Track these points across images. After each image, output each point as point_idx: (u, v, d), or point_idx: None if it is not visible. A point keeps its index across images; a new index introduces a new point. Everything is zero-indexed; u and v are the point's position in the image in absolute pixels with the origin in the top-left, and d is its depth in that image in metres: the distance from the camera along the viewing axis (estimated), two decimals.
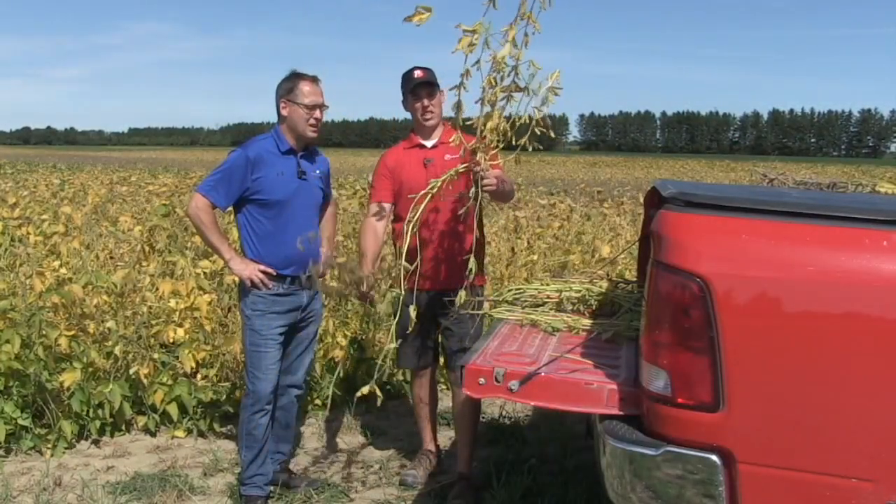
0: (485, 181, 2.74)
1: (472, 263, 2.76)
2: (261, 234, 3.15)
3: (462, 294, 2.76)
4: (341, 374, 4.57)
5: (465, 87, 2.53)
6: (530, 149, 2.71)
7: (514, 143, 2.66)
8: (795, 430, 1.82)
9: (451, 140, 2.78)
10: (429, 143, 3.39)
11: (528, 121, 2.59)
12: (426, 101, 3.29)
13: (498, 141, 2.63)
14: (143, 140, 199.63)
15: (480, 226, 3.36)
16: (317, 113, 3.15)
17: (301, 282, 3.21)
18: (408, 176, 3.32)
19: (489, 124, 2.56)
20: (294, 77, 3.16)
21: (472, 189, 2.77)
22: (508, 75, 2.51)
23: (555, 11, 2.54)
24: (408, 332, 3.38)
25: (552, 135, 2.62)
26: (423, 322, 3.36)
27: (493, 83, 2.50)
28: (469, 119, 2.61)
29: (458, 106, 2.57)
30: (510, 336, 2.66)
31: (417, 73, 3.30)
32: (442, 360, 3.71)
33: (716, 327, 1.82)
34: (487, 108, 2.55)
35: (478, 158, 2.70)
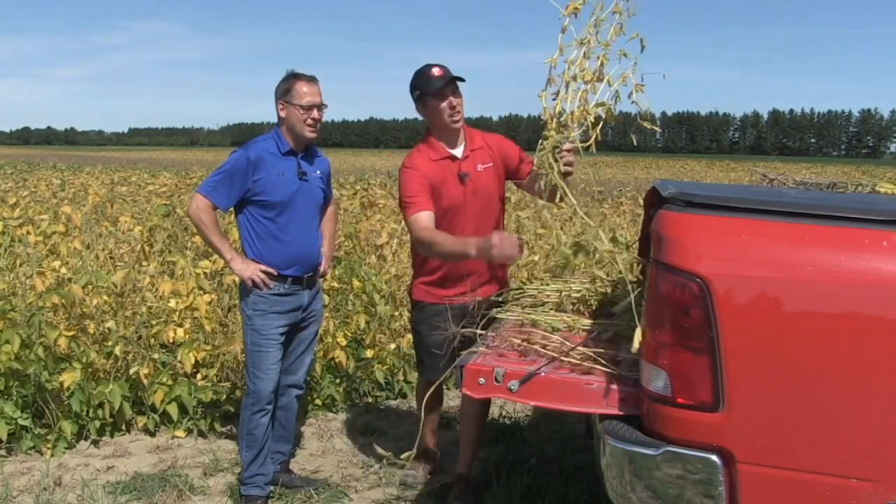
0: (567, 158, 2.58)
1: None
2: (262, 234, 3.15)
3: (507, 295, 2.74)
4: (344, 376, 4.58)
5: (554, 64, 2.57)
6: (635, 142, 3.22)
7: (589, 131, 2.63)
8: (795, 430, 1.82)
9: (543, 110, 2.64)
10: (458, 153, 3.13)
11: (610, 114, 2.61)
12: (453, 101, 3.02)
13: (581, 124, 2.59)
14: (143, 140, 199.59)
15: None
16: (314, 113, 3.13)
17: (303, 282, 3.21)
18: (448, 193, 3.04)
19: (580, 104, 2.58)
20: (291, 78, 3.15)
21: (551, 165, 2.59)
22: (597, 59, 2.57)
23: (554, 11, 2.61)
24: (443, 345, 3.27)
25: (656, 128, 2.64)
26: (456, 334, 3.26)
27: (583, 64, 2.55)
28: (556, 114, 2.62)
29: (551, 80, 2.59)
30: None
31: (436, 71, 3.02)
32: None
33: (716, 327, 1.82)
34: (577, 87, 2.59)
35: (566, 134, 2.57)
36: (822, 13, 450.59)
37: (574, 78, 2.58)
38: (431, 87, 3.04)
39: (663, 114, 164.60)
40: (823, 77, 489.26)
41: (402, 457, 3.33)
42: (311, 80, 3.15)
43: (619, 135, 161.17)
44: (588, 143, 2.61)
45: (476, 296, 3.10)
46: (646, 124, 2.58)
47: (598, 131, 2.61)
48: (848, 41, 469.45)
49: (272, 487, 3.34)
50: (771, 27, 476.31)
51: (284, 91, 3.13)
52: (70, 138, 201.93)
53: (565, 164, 2.61)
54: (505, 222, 3.17)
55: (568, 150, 2.60)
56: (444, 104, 3.04)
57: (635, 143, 2.63)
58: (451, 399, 4.49)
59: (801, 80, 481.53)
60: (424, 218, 2.97)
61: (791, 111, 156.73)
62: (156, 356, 4.16)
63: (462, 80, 3.08)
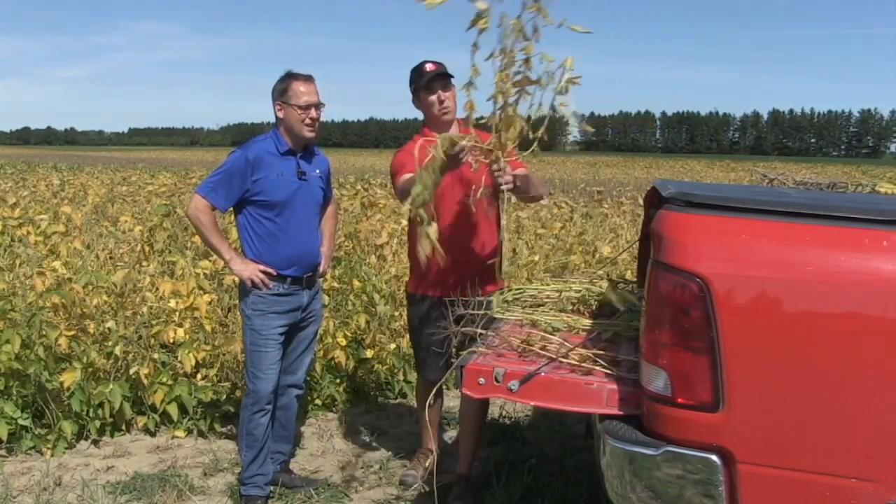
0: (503, 179, 2.65)
1: (503, 265, 2.70)
2: (261, 234, 3.15)
3: (497, 298, 2.70)
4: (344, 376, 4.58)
5: (474, 86, 2.50)
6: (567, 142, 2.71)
7: (531, 136, 2.56)
8: (795, 430, 1.82)
9: (465, 140, 2.64)
10: None
11: (550, 115, 2.51)
12: (442, 94, 3.16)
13: (516, 138, 2.55)
14: (143, 140, 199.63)
15: (500, 229, 3.26)
16: (312, 112, 3.12)
17: (302, 282, 3.20)
18: None
19: (509, 125, 2.49)
20: (287, 78, 3.14)
21: (492, 189, 2.68)
22: (520, 70, 2.47)
23: (555, 12, 2.52)
24: (434, 340, 3.26)
25: (589, 128, 2.61)
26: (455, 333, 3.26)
27: (506, 78, 2.46)
28: (482, 118, 2.57)
29: (469, 106, 2.53)
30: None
31: (429, 66, 3.17)
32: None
33: (716, 327, 1.82)
34: (500, 104, 2.50)
35: (495, 157, 2.60)
36: (822, 13, 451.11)
37: (497, 96, 2.50)
38: (422, 81, 3.19)
39: (663, 114, 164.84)
40: (823, 77, 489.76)
41: (427, 464, 3.32)
42: (308, 79, 3.15)
43: (619, 135, 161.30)
44: (531, 149, 2.61)
45: (472, 293, 3.11)
46: (588, 128, 2.60)
47: (539, 134, 2.56)
48: (848, 41, 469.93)
49: (272, 487, 3.34)
50: (771, 27, 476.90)
51: (281, 91, 3.13)
52: (70, 138, 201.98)
53: (505, 184, 2.69)
54: (505, 221, 3.19)
55: (498, 171, 2.65)
56: (433, 97, 3.19)
57: (566, 148, 2.46)
58: (451, 399, 4.49)
59: (801, 80, 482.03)
60: (409, 175, 3.02)
61: (791, 111, 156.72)
62: (156, 356, 4.16)
63: (451, 76, 3.20)
